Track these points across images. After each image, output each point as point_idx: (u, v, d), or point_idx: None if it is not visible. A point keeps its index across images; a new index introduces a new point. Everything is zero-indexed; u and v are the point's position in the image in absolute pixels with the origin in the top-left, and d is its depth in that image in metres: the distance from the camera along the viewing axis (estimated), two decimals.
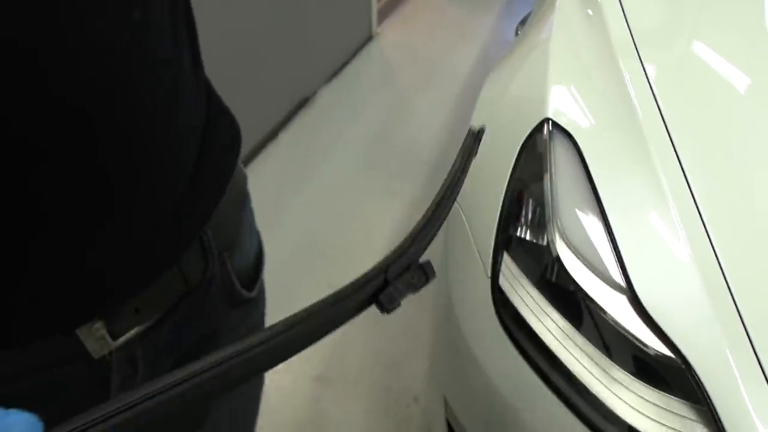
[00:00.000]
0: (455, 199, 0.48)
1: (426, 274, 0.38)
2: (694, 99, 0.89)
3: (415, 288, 0.37)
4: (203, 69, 0.45)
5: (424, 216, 0.42)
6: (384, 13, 3.43)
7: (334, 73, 2.83)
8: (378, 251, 1.77)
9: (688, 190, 0.76)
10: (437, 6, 3.69)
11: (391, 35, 3.28)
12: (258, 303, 0.59)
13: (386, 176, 2.18)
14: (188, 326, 0.47)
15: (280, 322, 0.32)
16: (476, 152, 0.58)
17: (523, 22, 1.32)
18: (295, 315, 0.33)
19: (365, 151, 2.34)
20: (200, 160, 0.43)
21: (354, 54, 3.01)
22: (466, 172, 0.51)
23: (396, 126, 2.50)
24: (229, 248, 0.50)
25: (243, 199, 0.54)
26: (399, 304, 0.36)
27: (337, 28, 2.79)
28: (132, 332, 0.43)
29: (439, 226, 0.43)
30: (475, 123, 1.03)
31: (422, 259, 0.40)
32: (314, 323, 0.33)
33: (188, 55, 0.41)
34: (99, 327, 0.40)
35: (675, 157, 0.80)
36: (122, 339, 0.42)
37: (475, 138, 0.57)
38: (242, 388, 0.60)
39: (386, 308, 0.36)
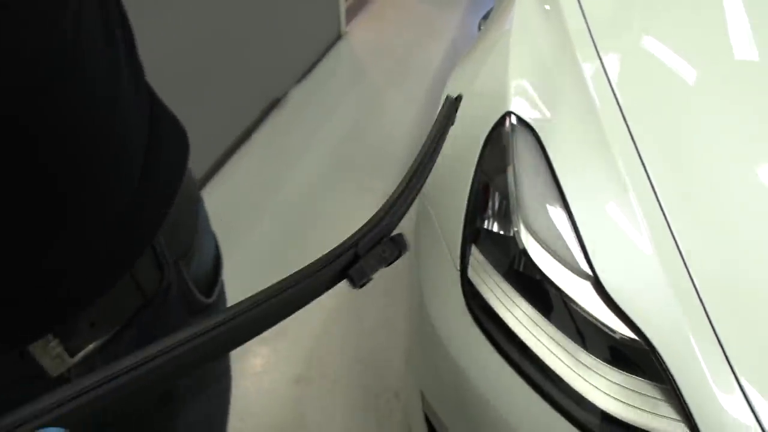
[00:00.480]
0: (431, 170, 0.47)
1: (398, 247, 0.38)
2: (651, 89, 0.91)
3: (387, 261, 0.37)
4: (144, 77, 0.44)
5: (396, 189, 0.42)
6: (352, 12, 3.42)
7: (305, 73, 2.82)
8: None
9: (647, 178, 0.78)
10: (405, 3, 3.69)
11: (360, 33, 3.27)
12: (218, 307, 0.58)
13: (360, 173, 2.18)
14: (147, 337, 0.47)
15: (246, 298, 0.32)
16: (453, 121, 0.58)
17: (485, 17, 1.33)
18: (262, 291, 0.32)
19: (338, 150, 2.34)
20: (147, 166, 0.43)
21: (324, 53, 3.00)
22: (443, 140, 0.51)
23: (368, 123, 2.51)
24: (185, 255, 0.50)
25: (196, 204, 0.54)
26: (370, 279, 0.36)
27: (305, 28, 2.78)
28: (89, 347, 0.42)
29: (413, 198, 0.42)
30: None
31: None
32: (282, 299, 0.33)
33: (126, 64, 0.40)
34: (54, 345, 0.39)
35: (633, 146, 0.81)
36: (80, 355, 0.41)
37: (452, 106, 0.56)
38: (211, 390, 0.60)
39: (357, 283, 0.35)
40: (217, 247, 0.60)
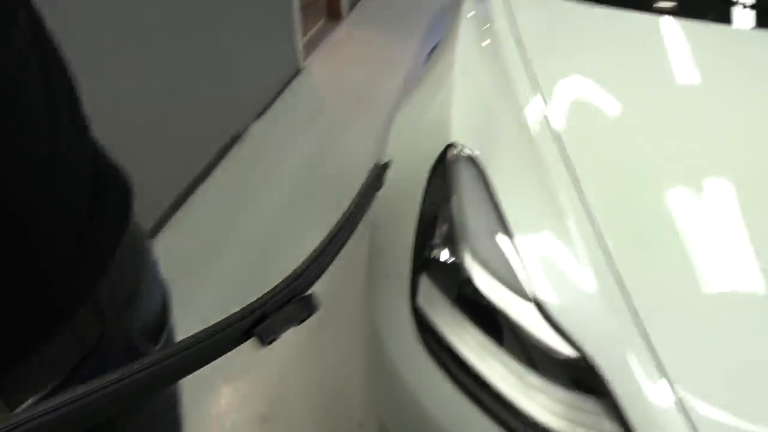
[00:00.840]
0: (350, 235, 0.49)
1: (309, 308, 0.40)
2: (586, 118, 0.96)
3: (297, 321, 0.39)
4: (88, 129, 0.45)
5: (313, 252, 0.44)
6: (310, 47, 3.48)
7: (264, 109, 2.85)
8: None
9: (584, 204, 0.82)
10: (363, 37, 3.78)
11: (318, 68, 3.33)
12: None
13: (321, 207, 2.20)
14: None
15: (148, 356, 0.33)
16: (381, 186, 0.61)
17: (432, 51, 1.39)
18: (164, 351, 0.34)
19: (299, 184, 2.36)
20: (90, 216, 0.43)
21: (282, 88, 3.04)
22: (367, 207, 0.53)
23: (328, 157, 2.53)
24: (129, 305, 0.50)
25: (142, 254, 0.54)
26: (277, 337, 0.38)
27: (263, 64, 2.82)
28: (29, 401, 0.41)
29: (329, 262, 0.44)
30: (390, 151, 1.07)
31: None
32: (185, 358, 0.34)
33: (66, 116, 0.41)
34: None
35: (571, 173, 0.85)
36: (20, 409, 0.41)
37: (379, 172, 0.59)
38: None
39: (264, 341, 0.37)
40: (165, 294, 0.60)
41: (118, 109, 1.74)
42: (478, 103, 1.00)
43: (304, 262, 0.42)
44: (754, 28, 1.19)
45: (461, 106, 1.00)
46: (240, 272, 1.89)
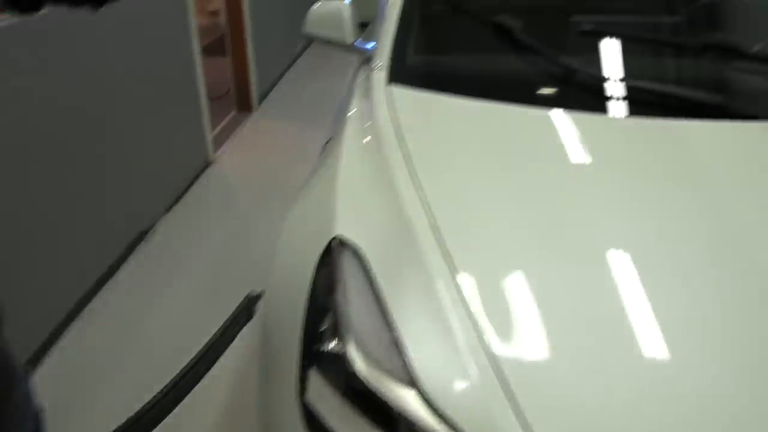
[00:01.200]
0: (208, 369, 0.49)
1: None
2: (462, 206, 1.02)
3: None
4: None
5: (158, 393, 0.44)
6: (221, 138, 3.53)
7: (173, 203, 2.83)
8: (227, 380, 1.72)
9: (459, 291, 0.86)
10: (273, 127, 3.87)
11: (229, 159, 3.36)
12: None
13: (231, 301, 2.16)
14: None
15: None
16: (252, 316, 0.62)
17: (326, 145, 1.46)
18: None
19: (209, 279, 2.32)
20: None
21: (192, 182, 3.03)
22: (232, 337, 0.53)
23: (239, 249, 2.52)
24: None
25: (7, 389, 0.53)
26: None
27: (172, 158, 2.82)
28: None
29: (182, 397, 0.44)
30: (282, 246, 1.10)
31: None
32: None
33: None
34: None
35: (447, 261, 0.90)
36: None
37: (249, 303, 0.60)
38: None
39: None
40: (38, 420, 0.58)
41: (16, 208, 1.69)
42: (362, 197, 1.06)
43: (138, 412, 0.42)
44: (627, 116, 1.29)
45: (346, 200, 1.05)
46: (147, 373, 1.80)
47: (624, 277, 0.90)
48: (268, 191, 3.00)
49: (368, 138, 1.21)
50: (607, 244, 0.96)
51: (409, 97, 1.34)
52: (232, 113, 3.95)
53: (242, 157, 3.42)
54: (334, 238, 0.96)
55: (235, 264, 2.41)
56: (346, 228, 0.98)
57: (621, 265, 0.92)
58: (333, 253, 0.95)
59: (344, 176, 1.11)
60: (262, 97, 4.22)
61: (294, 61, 5.07)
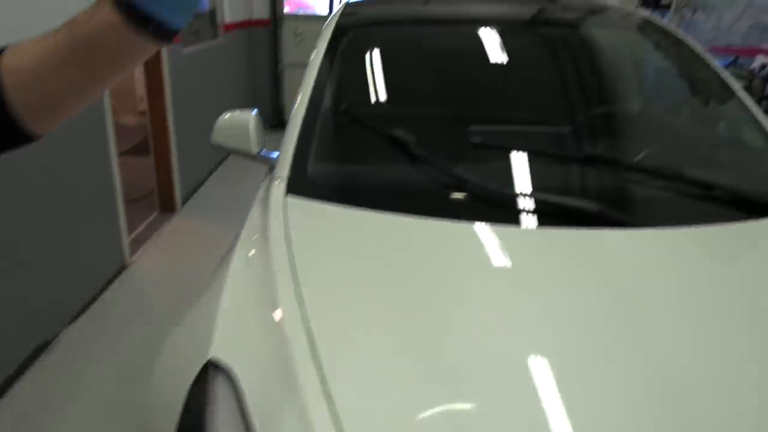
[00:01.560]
0: None
1: None
2: (345, 327, 1.00)
3: None
4: None
5: None
6: (139, 241, 3.44)
7: (81, 311, 2.68)
8: None
9: (333, 413, 0.84)
10: (197, 228, 3.82)
11: (147, 263, 3.26)
12: None
13: (137, 419, 2.02)
14: None
15: None
16: None
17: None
18: None
19: (116, 395, 2.18)
20: None
21: (104, 288, 2.91)
22: None
23: (148, 361, 2.39)
24: None
25: None
26: None
27: (80, 263, 2.71)
28: None
29: None
30: (158, 369, 1.05)
31: None
32: None
33: None
34: None
35: (323, 385, 0.87)
36: None
37: None
38: None
39: None
40: None
41: None
42: (244, 317, 1.04)
43: None
44: (537, 227, 1.31)
45: (227, 320, 1.03)
46: None
47: (496, 385, 0.90)
48: (186, 296, 2.89)
49: (258, 253, 1.21)
50: (492, 355, 0.96)
51: (305, 208, 1.34)
52: (154, 214, 3.89)
53: (162, 259, 3.33)
54: (208, 361, 0.93)
55: (141, 378, 2.27)
56: (222, 350, 0.95)
57: (499, 374, 0.92)
58: (208, 375, 0.92)
59: (228, 296, 1.10)
60: (187, 197, 4.18)
61: (222, 161, 5.10)
